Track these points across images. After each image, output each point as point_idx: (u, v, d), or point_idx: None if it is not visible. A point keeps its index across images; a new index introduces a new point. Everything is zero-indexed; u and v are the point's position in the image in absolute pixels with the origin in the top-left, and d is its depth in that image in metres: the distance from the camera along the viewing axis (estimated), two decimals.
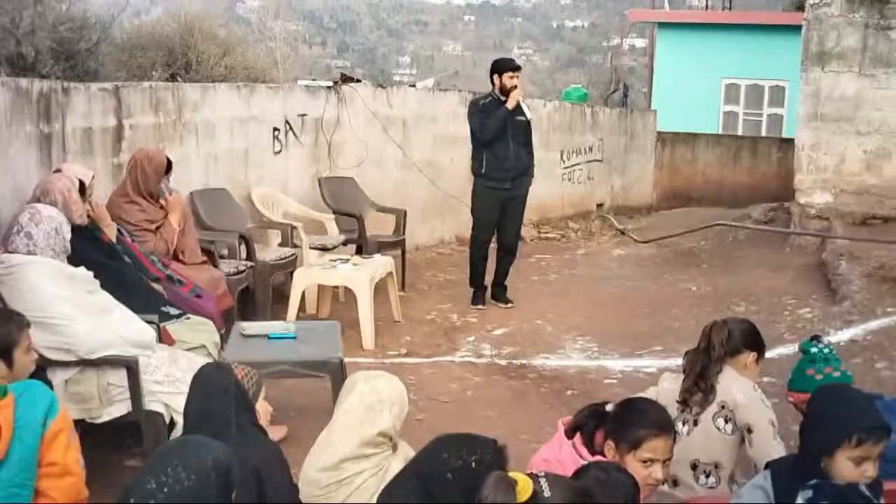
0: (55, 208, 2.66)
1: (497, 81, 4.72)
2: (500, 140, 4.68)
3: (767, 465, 1.77)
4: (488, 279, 4.97)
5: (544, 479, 1.31)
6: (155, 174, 3.44)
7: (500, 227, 4.92)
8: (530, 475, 1.33)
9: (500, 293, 4.95)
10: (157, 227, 3.44)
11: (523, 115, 4.71)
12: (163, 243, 3.41)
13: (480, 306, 4.88)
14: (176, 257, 3.53)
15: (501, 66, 4.76)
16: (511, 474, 1.32)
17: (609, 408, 1.93)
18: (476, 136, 4.78)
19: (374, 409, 1.92)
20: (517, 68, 4.76)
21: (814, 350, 2.27)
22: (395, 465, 1.95)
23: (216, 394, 1.81)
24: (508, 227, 4.89)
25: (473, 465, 1.46)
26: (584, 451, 1.86)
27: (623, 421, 1.82)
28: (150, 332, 2.67)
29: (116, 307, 2.65)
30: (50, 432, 1.61)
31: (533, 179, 4.98)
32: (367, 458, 1.92)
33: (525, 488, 1.28)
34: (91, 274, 2.63)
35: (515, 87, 4.67)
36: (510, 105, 4.63)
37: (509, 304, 4.91)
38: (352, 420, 1.93)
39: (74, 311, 2.50)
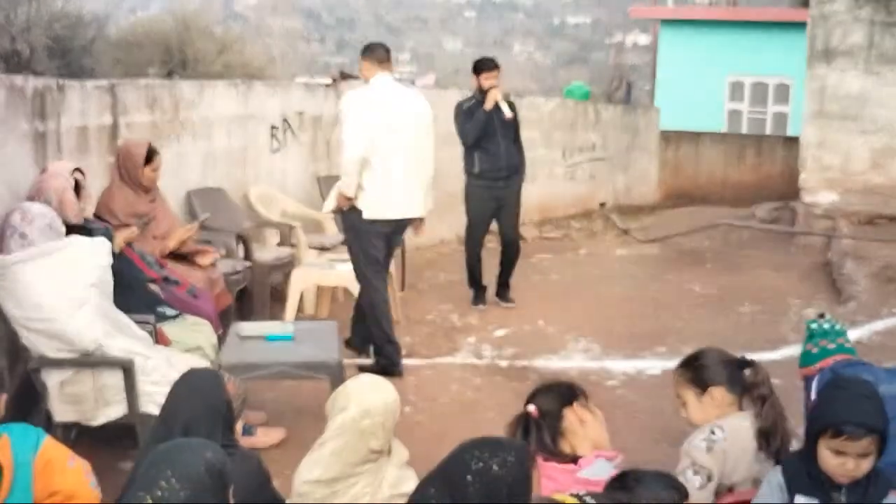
0: (42, 205, 2.62)
1: (476, 82, 4.71)
2: (490, 140, 4.66)
3: (778, 461, 1.80)
4: (491, 278, 4.94)
5: (590, 498, 1.29)
6: (134, 165, 3.40)
7: (499, 226, 4.90)
8: (575, 495, 1.31)
9: (504, 292, 4.93)
10: (146, 224, 3.40)
11: (508, 115, 4.66)
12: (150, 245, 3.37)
13: (481, 306, 4.85)
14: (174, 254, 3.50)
15: (477, 67, 4.74)
16: (556, 496, 1.30)
17: (531, 409, 1.87)
18: (461, 140, 4.77)
19: (366, 433, 1.86)
20: (494, 68, 4.69)
21: (813, 326, 2.28)
22: (390, 468, 1.92)
23: (208, 408, 1.77)
24: (507, 224, 4.86)
25: (495, 467, 1.41)
26: (555, 461, 1.82)
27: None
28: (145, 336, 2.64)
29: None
30: (38, 464, 1.61)
31: (525, 175, 4.94)
32: (361, 474, 1.88)
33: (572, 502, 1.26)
34: (79, 238, 2.59)
35: (494, 87, 4.62)
36: (487, 106, 4.59)
37: (511, 304, 4.88)
38: (344, 444, 1.87)
39: (70, 305, 2.46)
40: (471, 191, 4.82)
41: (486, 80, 4.63)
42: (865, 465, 1.65)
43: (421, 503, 1.47)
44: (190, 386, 1.83)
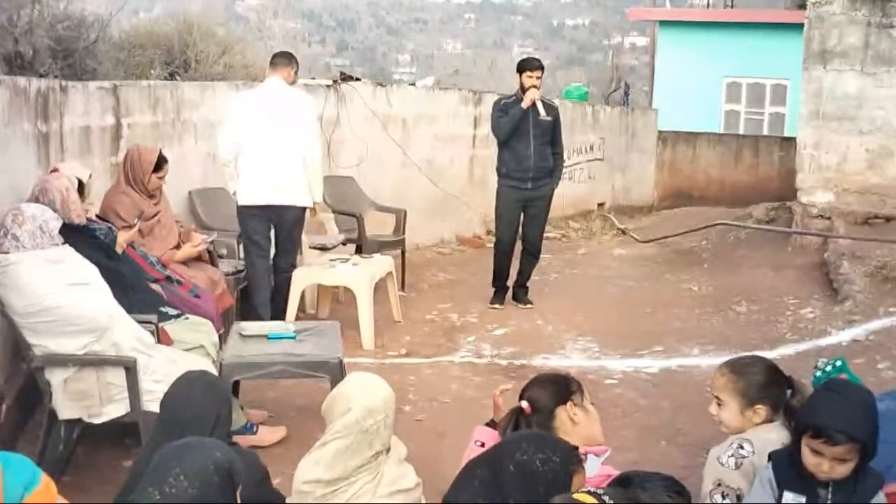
0: (39, 206, 2.63)
1: (519, 81, 4.75)
2: (520, 140, 4.68)
3: (770, 456, 1.78)
4: (510, 281, 4.95)
5: (606, 496, 1.32)
6: (144, 171, 3.42)
7: (523, 229, 4.91)
8: (591, 493, 1.33)
9: (521, 294, 4.95)
10: (147, 220, 3.41)
11: (543, 115, 4.68)
12: (158, 246, 3.39)
13: (497, 305, 4.86)
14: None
15: (521, 66, 4.80)
16: (574, 496, 1.32)
17: (524, 405, 1.89)
18: (493, 135, 4.82)
19: (369, 433, 1.86)
20: (537, 68, 4.74)
21: (819, 374, 2.17)
22: (389, 465, 1.93)
23: (212, 408, 1.79)
24: (531, 229, 4.87)
25: (538, 463, 1.45)
26: None
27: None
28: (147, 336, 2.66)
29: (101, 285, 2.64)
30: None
31: (559, 181, 4.95)
32: (362, 474, 1.89)
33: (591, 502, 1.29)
34: (72, 250, 2.61)
35: (534, 86, 4.65)
36: (525, 104, 4.63)
37: (529, 306, 4.89)
38: (348, 446, 1.86)
39: (73, 291, 2.48)
40: (499, 190, 4.84)
41: (528, 78, 4.67)
42: (842, 469, 1.65)
43: (465, 482, 1.50)
44: (192, 386, 1.84)
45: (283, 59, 4.03)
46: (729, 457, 1.84)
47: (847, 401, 1.67)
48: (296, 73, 4.06)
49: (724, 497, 1.82)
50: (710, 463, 1.89)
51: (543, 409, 1.91)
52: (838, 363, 2.19)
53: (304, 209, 3.96)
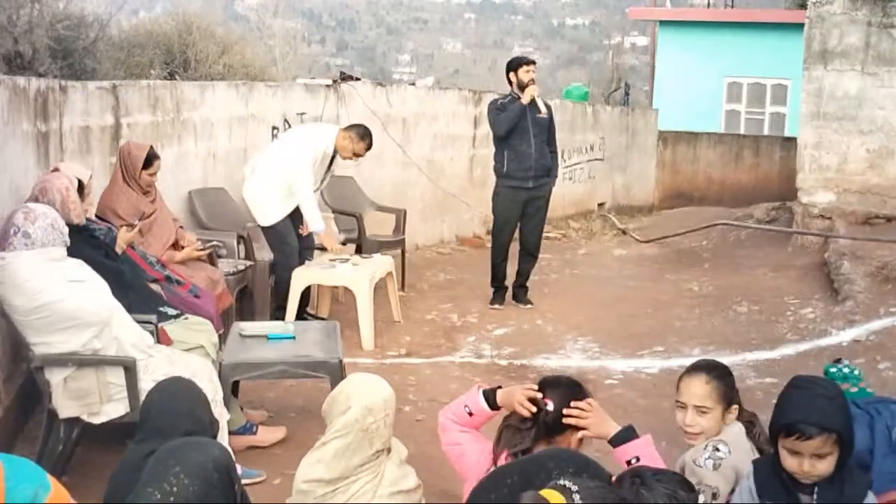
0: (46, 205, 2.63)
1: (514, 79, 4.71)
2: (521, 138, 4.65)
3: (754, 464, 1.77)
4: (509, 280, 4.95)
5: (577, 494, 1.31)
6: (133, 167, 3.40)
7: (521, 229, 4.89)
8: (561, 487, 1.32)
9: (521, 294, 4.94)
10: (144, 219, 3.40)
11: (543, 111, 4.67)
12: (157, 245, 3.39)
13: (497, 306, 4.85)
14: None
15: (516, 63, 4.77)
16: (542, 492, 1.30)
17: (549, 406, 1.86)
18: (493, 132, 4.78)
19: (369, 432, 1.86)
20: (531, 62, 4.74)
21: (833, 371, 2.25)
22: (390, 466, 1.93)
23: (197, 411, 1.78)
24: (530, 229, 4.85)
25: None
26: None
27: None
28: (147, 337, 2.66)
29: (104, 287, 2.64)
30: None
31: (556, 180, 4.94)
32: (362, 473, 1.89)
33: (558, 501, 1.27)
34: (76, 261, 2.61)
35: (532, 81, 4.63)
36: (525, 100, 4.61)
37: (529, 305, 4.88)
38: (348, 444, 1.86)
39: (71, 287, 2.48)
40: (498, 191, 4.80)
41: (526, 73, 4.63)
42: (822, 466, 1.59)
43: (494, 487, 1.48)
44: (177, 395, 1.81)
45: (352, 126, 4.40)
46: (706, 459, 1.86)
47: (813, 393, 1.63)
48: (351, 140, 4.20)
49: (700, 493, 1.82)
50: (687, 468, 1.90)
51: (555, 424, 1.85)
52: (856, 371, 2.23)
53: (259, 225, 4.20)
